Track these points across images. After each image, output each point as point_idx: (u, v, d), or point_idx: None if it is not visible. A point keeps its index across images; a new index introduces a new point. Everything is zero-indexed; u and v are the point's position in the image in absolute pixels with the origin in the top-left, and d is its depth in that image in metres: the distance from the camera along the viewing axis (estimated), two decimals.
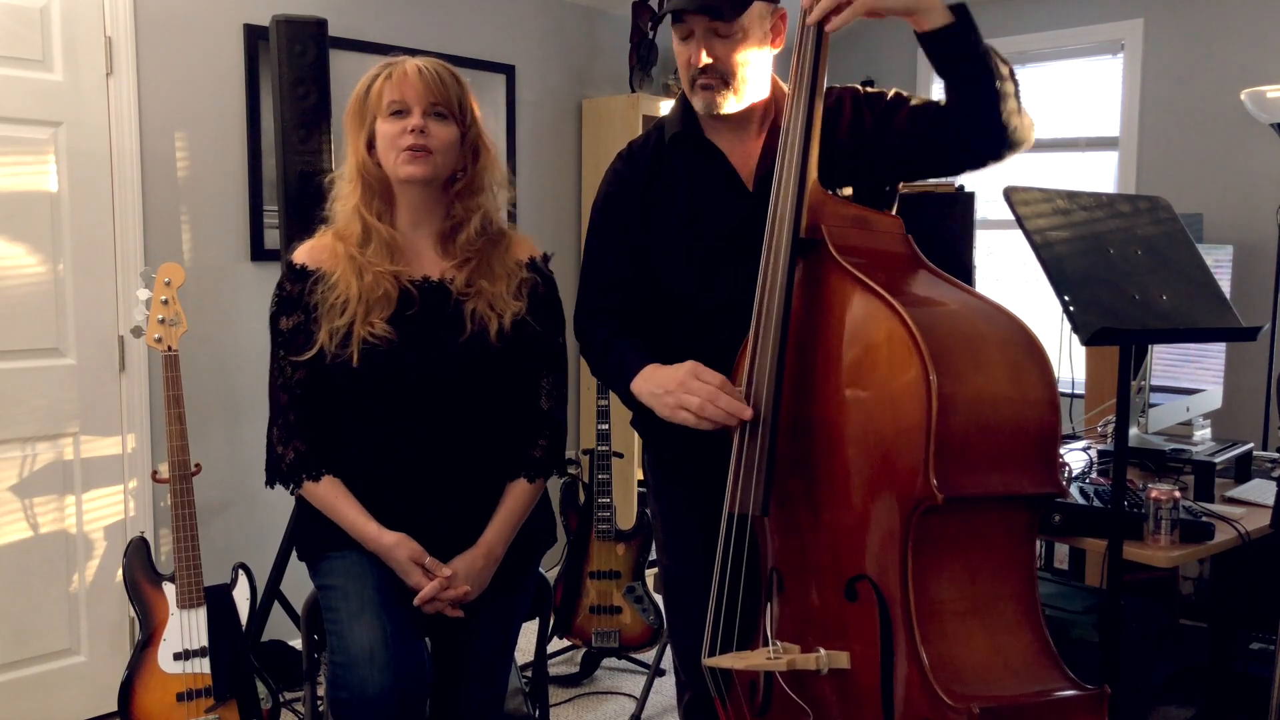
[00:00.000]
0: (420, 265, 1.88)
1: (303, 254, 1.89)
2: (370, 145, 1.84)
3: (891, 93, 1.80)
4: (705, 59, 1.71)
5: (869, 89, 1.82)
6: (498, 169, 1.92)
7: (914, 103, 1.76)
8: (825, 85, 1.62)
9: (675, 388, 1.63)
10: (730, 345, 1.69)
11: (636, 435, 2.03)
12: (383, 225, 1.85)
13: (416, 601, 1.82)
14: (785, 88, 1.82)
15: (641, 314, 1.87)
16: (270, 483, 1.91)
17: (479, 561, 1.87)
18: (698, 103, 1.76)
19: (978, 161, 1.75)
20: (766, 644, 1.59)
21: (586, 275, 1.94)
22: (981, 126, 1.65)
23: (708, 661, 1.64)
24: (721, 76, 1.72)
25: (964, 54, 1.59)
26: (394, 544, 1.82)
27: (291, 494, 1.92)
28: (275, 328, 1.88)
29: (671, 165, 1.84)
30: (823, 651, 1.50)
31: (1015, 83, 1.65)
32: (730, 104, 1.74)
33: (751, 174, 1.79)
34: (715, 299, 1.78)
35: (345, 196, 1.88)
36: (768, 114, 1.81)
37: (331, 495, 1.85)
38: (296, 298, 1.85)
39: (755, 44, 1.72)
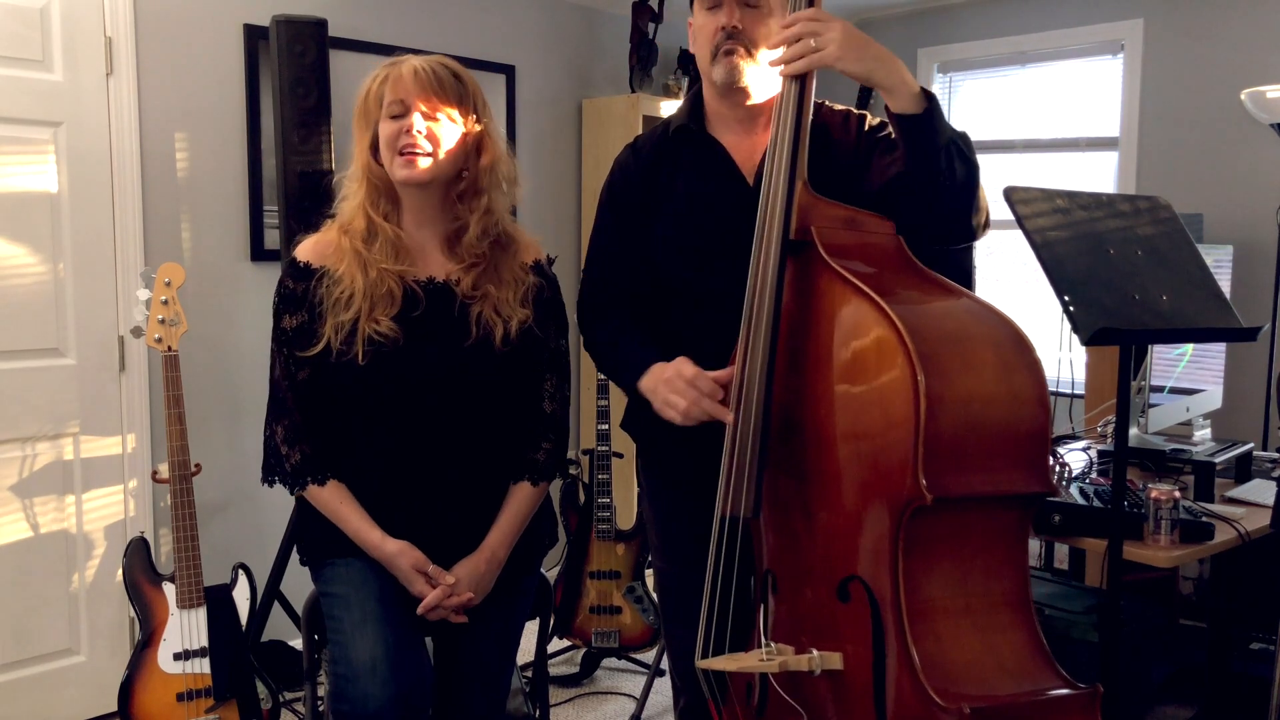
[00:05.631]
0: (426, 266, 1.86)
1: (305, 250, 1.86)
2: (374, 147, 1.83)
3: (887, 129, 1.76)
4: (735, 21, 1.73)
5: (874, 118, 1.81)
6: (503, 167, 1.88)
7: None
8: (814, 87, 1.62)
9: (661, 386, 1.67)
10: (727, 330, 1.69)
11: None
12: (388, 225, 1.82)
13: (420, 610, 1.80)
14: None
15: (643, 301, 1.88)
16: (269, 481, 1.89)
17: (482, 566, 1.85)
18: (720, 71, 1.76)
19: (931, 234, 1.70)
20: (761, 646, 1.59)
21: (589, 264, 1.95)
22: (926, 204, 1.62)
23: (700, 663, 1.64)
24: (745, 45, 1.74)
25: (923, 144, 1.57)
26: (397, 552, 1.81)
27: (293, 494, 1.92)
28: (278, 325, 1.85)
29: (674, 156, 1.86)
30: (815, 652, 1.50)
31: (973, 178, 1.62)
32: (751, 73, 1.75)
33: (754, 169, 1.80)
34: (712, 286, 1.79)
35: (351, 195, 1.86)
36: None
37: (335, 501, 1.83)
38: (300, 296, 1.83)
39: (775, 23, 1.73)
